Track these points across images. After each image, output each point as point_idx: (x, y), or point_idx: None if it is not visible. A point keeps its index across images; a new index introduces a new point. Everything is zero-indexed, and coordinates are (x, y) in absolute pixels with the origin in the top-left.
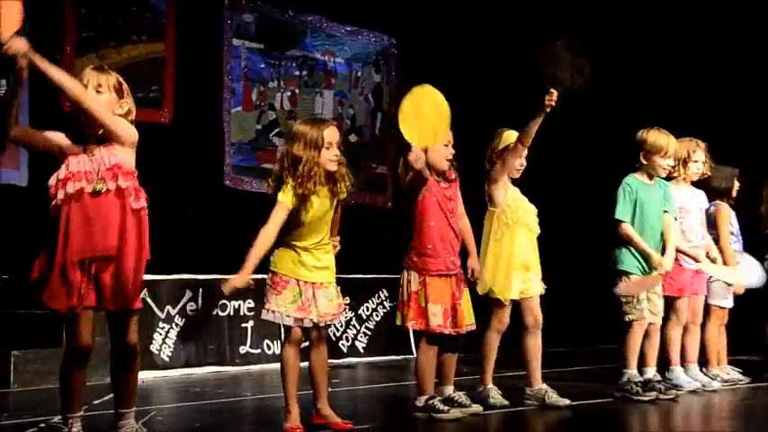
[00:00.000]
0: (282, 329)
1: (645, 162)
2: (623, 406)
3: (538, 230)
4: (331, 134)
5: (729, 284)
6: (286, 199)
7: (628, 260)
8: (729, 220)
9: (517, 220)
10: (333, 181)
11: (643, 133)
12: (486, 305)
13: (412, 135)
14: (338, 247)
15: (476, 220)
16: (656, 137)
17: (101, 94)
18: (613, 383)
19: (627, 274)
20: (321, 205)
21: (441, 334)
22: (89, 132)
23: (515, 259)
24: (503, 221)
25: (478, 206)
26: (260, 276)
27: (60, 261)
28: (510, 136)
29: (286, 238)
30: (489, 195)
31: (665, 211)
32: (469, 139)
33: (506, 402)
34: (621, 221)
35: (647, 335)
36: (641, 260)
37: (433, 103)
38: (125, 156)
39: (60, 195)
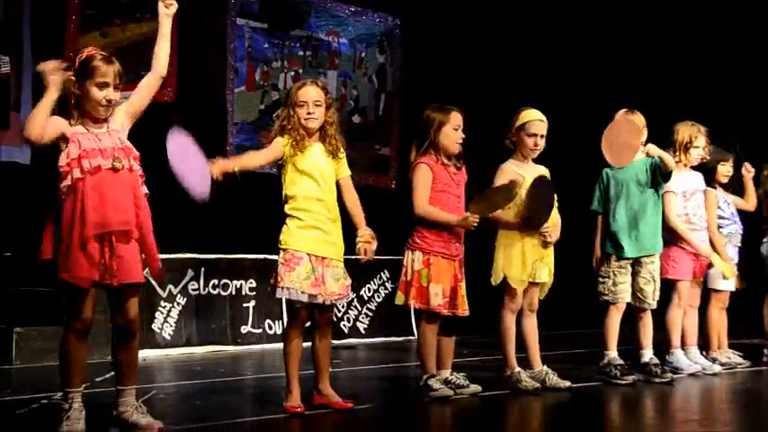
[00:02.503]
0: (285, 310)
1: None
2: (619, 389)
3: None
4: (305, 93)
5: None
6: (283, 141)
7: (606, 241)
8: (716, 204)
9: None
10: (324, 140)
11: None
12: (497, 288)
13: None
14: (372, 243)
15: None
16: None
17: (118, 91)
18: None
19: (607, 254)
20: (318, 159)
21: (439, 314)
22: (91, 115)
23: (528, 245)
24: (513, 213)
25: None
26: (261, 256)
27: (78, 236)
28: (528, 114)
29: (295, 211)
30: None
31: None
32: (479, 124)
33: (538, 386)
34: (593, 211)
35: (638, 318)
36: (619, 240)
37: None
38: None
39: (77, 173)
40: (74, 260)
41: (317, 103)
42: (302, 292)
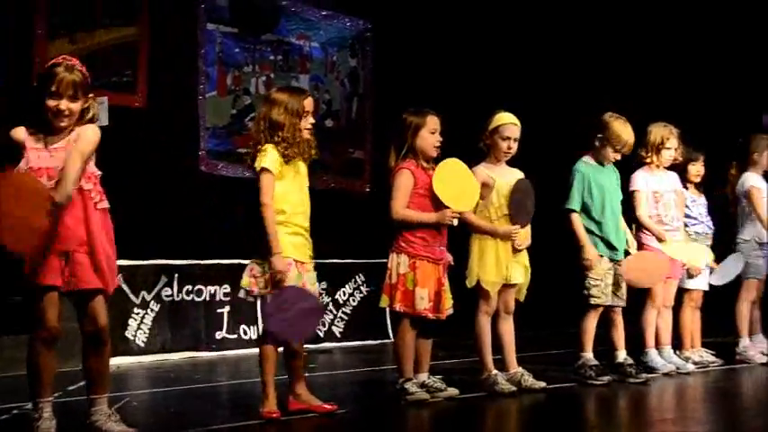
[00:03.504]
0: (261, 315)
1: (597, 146)
2: (595, 390)
3: None
4: (309, 103)
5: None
6: (269, 165)
7: (598, 245)
8: (684, 203)
9: (502, 216)
10: (308, 149)
11: (608, 118)
12: (472, 290)
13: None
14: None
15: None
16: (622, 130)
17: (76, 101)
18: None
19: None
20: (303, 172)
21: (424, 318)
22: (54, 125)
23: (502, 247)
24: (486, 216)
25: None
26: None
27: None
28: (502, 117)
29: (281, 216)
30: None
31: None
32: (453, 126)
33: (514, 389)
34: (571, 210)
35: (611, 319)
36: (610, 241)
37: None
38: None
39: None
40: (31, 266)
41: (313, 114)
42: None
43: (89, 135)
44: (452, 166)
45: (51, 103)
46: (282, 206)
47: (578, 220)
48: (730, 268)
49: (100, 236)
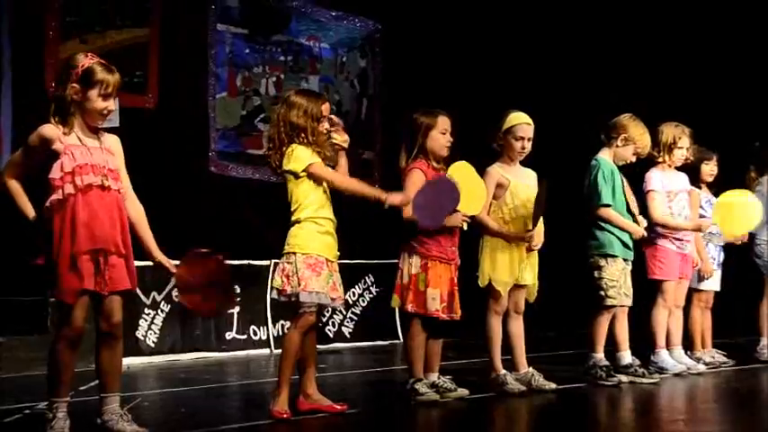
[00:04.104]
0: (298, 313)
1: (619, 146)
2: (605, 390)
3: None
4: (327, 108)
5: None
6: (310, 159)
7: (615, 244)
8: (699, 203)
9: (516, 217)
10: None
11: (628, 120)
12: (480, 290)
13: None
14: None
15: None
16: (643, 132)
17: (114, 98)
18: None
19: (614, 257)
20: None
21: (436, 318)
22: (91, 124)
23: (513, 251)
24: (499, 216)
25: None
26: (245, 262)
27: (67, 252)
28: (515, 117)
29: (311, 215)
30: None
31: None
32: (463, 126)
33: (524, 389)
34: (606, 205)
35: (616, 318)
36: (625, 241)
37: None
38: (117, 161)
39: (69, 188)
40: (61, 275)
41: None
42: (331, 298)
43: (120, 149)
44: (462, 169)
45: (102, 104)
46: (312, 206)
47: (614, 212)
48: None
49: (129, 235)
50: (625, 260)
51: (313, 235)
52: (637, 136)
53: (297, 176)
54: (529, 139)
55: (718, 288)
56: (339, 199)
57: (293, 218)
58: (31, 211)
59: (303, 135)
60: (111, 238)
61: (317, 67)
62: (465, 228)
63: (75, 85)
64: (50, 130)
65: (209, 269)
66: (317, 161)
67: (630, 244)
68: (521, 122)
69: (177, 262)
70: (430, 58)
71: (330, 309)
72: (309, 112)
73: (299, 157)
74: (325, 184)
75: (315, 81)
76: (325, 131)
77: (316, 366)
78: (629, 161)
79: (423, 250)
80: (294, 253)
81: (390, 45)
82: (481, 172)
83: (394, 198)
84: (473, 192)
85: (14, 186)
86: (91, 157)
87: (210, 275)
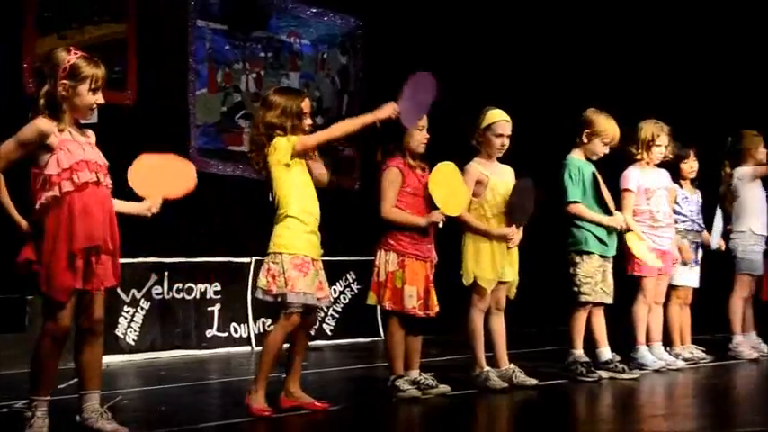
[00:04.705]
0: (283, 312)
1: (586, 141)
2: (586, 386)
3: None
4: (307, 105)
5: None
6: (293, 140)
7: (590, 241)
8: (675, 199)
9: (497, 213)
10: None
11: (592, 114)
12: (460, 288)
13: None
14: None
15: None
16: (606, 123)
17: (98, 92)
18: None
19: (589, 254)
20: (307, 165)
21: (413, 316)
22: (78, 119)
23: (496, 250)
24: (481, 214)
25: None
26: (226, 259)
27: (64, 249)
28: (494, 114)
29: (297, 211)
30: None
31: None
32: (441, 123)
33: (506, 385)
34: (575, 202)
35: (593, 315)
36: (602, 238)
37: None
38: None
39: (67, 186)
40: (54, 273)
41: (309, 115)
42: (317, 298)
43: None
44: (446, 169)
45: (92, 98)
46: (298, 203)
47: (583, 208)
48: None
49: (117, 231)
50: (603, 257)
51: (299, 234)
52: (601, 128)
53: (287, 165)
54: (508, 136)
55: (696, 284)
56: (320, 197)
57: (279, 212)
58: (23, 222)
59: (283, 134)
60: (104, 235)
61: (297, 63)
62: (441, 226)
63: (65, 81)
64: (47, 123)
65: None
66: (298, 138)
67: (609, 240)
68: (500, 120)
69: None
70: (410, 54)
71: None
72: (288, 110)
73: (283, 146)
74: (306, 183)
75: (295, 78)
76: (307, 129)
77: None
78: (601, 154)
79: (399, 248)
80: (280, 253)
81: (371, 42)
82: (460, 169)
83: (382, 112)
84: (455, 193)
85: (1, 185)
86: (84, 153)
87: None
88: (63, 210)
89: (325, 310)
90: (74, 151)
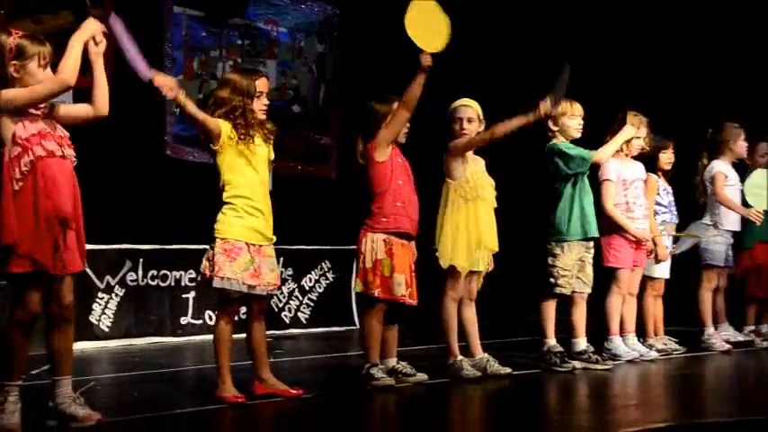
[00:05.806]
0: (219, 300)
1: (555, 128)
2: (560, 376)
3: (495, 204)
4: (262, 84)
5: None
6: (223, 125)
7: (572, 227)
8: (656, 190)
9: (476, 196)
10: (263, 128)
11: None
12: (441, 273)
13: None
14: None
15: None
16: (564, 105)
17: (47, 67)
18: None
19: (569, 243)
20: (261, 151)
21: (401, 303)
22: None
23: (473, 232)
24: (460, 195)
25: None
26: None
27: (43, 219)
28: (457, 101)
29: (235, 199)
30: (447, 168)
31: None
32: (420, 112)
33: (480, 374)
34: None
35: (575, 305)
36: (584, 224)
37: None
38: None
39: (39, 151)
40: (37, 243)
41: (267, 95)
42: (243, 283)
43: None
44: (420, 5)
45: (43, 74)
46: (237, 186)
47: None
48: (688, 238)
49: (81, 211)
50: (586, 239)
51: (234, 220)
52: (566, 108)
53: (214, 154)
54: (469, 119)
55: (667, 276)
56: (296, 185)
57: (222, 198)
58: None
59: (230, 112)
60: (71, 210)
61: (274, 51)
62: (427, 64)
63: (15, 62)
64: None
65: None
66: (219, 123)
67: (593, 225)
68: (460, 104)
69: None
70: (388, 43)
71: (286, 294)
72: (239, 87)
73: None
74: (254, 165)
75: (272, 65)
76: (263, 108)
77: (267, 351)
78: (575, 136)
79: (386, 225)
80: (215, 238)
81: (348, 30)
82: (438, 160)
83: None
84: (436, 27)
85: None
86: (50, 125)
87: None
88: (38, 177)
89: (300, 298)
90: (38, 121)
